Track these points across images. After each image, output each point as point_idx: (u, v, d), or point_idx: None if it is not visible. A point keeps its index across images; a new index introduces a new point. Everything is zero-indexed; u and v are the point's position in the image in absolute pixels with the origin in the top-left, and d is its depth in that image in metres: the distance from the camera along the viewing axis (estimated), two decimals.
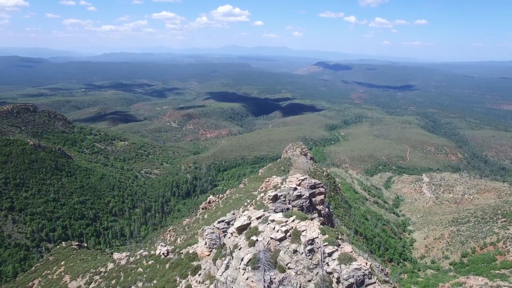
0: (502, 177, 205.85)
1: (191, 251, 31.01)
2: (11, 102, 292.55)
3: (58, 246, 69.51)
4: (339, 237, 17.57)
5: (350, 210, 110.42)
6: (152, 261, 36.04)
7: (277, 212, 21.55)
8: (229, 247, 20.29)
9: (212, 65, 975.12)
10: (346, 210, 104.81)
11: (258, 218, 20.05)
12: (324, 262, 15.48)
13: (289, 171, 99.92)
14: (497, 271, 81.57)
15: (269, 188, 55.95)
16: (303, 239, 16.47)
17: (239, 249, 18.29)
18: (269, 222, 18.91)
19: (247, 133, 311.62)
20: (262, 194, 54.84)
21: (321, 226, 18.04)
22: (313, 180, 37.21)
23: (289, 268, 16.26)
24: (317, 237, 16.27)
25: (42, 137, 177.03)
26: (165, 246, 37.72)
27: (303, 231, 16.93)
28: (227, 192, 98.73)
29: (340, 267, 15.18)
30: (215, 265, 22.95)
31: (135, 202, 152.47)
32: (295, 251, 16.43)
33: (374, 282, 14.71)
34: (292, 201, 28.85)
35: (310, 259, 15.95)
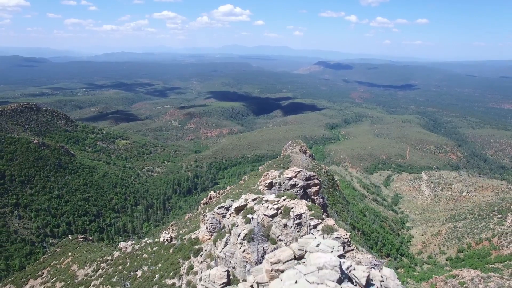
0: (501, 175, 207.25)
1: (193, 236, 33.16)
2: (13, 101, 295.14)
3: (64, 239, 71.89)
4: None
5: (348, 207, 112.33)
6: (157, 247, 38.20)
7: None
8: (228, 225, 22.42)
9: (213, 64, 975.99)
10: (344, 206, 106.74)
11: (253, 200, 22.18)
12: (310, 233, 17.60)
13: (288, 167, 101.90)
14: (491, 265, 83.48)
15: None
16: (292, 214, 18.59)
17: (237, 227, 20.42)
18: (263, 202, 21.04)
19: (247, 132, 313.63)
20: (260, 187, 56.92)
21: (308, 204, 20.19)
22: (309, 173, 39.30)
23: (279, 240, 18.41)
24: (304, 212, 18.38)
25: (45, 136, 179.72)
26: (169, 233, 39.92)
27: (292, 208, 19.06)
28: (228, 188, 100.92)
29: (323, 236, 17.26)
30: (215, 246, 25.08)
31: (137, 199, 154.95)
32: (285, 225, 18.55)
33: (353, 249, 16.81)
34: (287, 189, 30.90)
35: (298, 231, 18.08)
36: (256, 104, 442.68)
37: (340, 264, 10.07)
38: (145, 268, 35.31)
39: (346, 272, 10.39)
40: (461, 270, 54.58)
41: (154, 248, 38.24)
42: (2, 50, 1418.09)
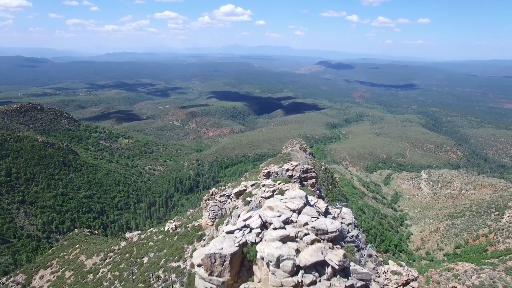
0: (501, 174, 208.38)
1: (196, 224, 35.16)
2: (16, 101, 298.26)
3: (71, 233, 74.19)
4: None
5: (347, 203, 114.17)
6: (162, 235, 40.22)
7: None
8: (229, 209, 24.46)
9: (214, 64, 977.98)
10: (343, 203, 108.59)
11: (252, 185, 24.22)
12: None
13: None
14: (487, 260, 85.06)
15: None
16: (286, 195, 20.58)
17: (237, 209, 22.44)
18: (261, 186, 23.03)
19: (249, 131, 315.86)
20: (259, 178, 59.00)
21: (301, 186, 22.18)
22: (306, 166, 41.34)
23: None
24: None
25: (49, 135, 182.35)
26: (173, 222, 41.98)
27: (286, 190, 21.03)
28: (229, 184, 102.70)
29: None
30: (217, 231, 27.10)
31: (140, 197, 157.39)
32: None
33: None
34: None
35: None
36: (257, 104, 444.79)
37: (306, 196, 13.22)
38: (151, 254, 37.35)
39: (310, 203, 12.89)
40: (456, 264, 56.41)
41: (160, 237, 40.28)
42: (5, 51, 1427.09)
